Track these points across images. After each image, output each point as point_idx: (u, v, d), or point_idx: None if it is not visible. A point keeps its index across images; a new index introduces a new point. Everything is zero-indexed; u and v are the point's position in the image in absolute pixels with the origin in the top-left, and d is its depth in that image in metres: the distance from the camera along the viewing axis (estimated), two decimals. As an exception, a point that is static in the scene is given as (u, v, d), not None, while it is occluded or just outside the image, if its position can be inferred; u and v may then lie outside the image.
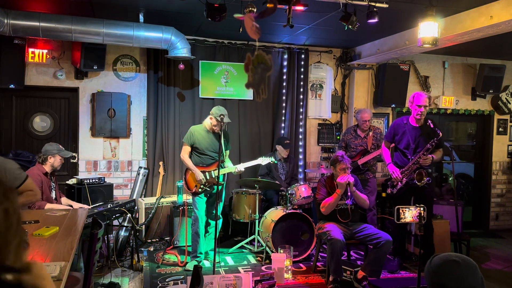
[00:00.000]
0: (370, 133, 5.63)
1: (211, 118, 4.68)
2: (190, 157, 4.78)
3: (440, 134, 4.52)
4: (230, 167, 4.82)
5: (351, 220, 4.47)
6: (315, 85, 6.57)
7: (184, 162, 4.81)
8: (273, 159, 5.16)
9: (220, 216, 4.89)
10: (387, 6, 4.10)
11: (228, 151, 4.95)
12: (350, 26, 4.01)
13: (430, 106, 4.69)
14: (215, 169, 4.69)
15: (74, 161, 5.75)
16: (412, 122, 4.69)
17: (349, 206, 4.43)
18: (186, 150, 4.78)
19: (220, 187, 4.65)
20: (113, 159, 5.84)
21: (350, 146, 5.71)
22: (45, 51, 5.51)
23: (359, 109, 5.89)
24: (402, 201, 4.55)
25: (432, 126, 4.56)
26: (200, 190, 4.72)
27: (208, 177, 4.71)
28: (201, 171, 4.69)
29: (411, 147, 4.64)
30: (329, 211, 4.39)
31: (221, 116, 4.52)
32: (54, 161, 4.30)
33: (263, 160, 5.08)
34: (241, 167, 4.84)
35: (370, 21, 4.02)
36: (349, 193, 4.33)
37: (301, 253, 4.97)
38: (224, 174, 4.93)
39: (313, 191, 5.23)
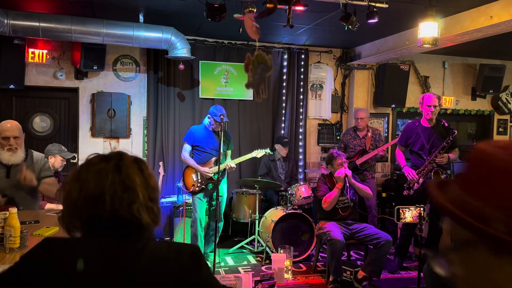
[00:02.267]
0: (369, 134, 5.64)
1: (209, 118, 4.72)
2: (191, 156, 4.81)
3: (455, 132, 4.52)
4: (226, 162, 4.82)
5: (351, 219, 4.48)
6: (315, 85, 6.57)
7: (186, 162, 4.82)
8: (268, 151, 5.13)
9: (222, 218, 4.88)
10: (387, 6, 4.10)
11: (229, 151, 4.96)
12: (350, 26, 4.01)
13: (441, 105, 4.70)
14: (212, 166, 4.73)
15: (74, 161, 5.75)
16: (424, 123, 4.67)
17: (350, 203, 4.45)
18: (187, 150, 4.80)
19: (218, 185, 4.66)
20: (113, 159, 5.83)
21: (349, 147, 5.72)
22: (45, 51, 5.51)
23: (356, 108, 5.92)
24: (420, 202, 4.51)
25: (446, 125, 4.58)
26: (197, 189, 4.73)
27: (200, 178, 4.73)
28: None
29: (426, 147, 4.62)
30: (331, 207, 4.40)
31: (221, 116, 4.55)
32: (54, 161, 4.31)
33: (258, 153, 5.05)
34: (232, 163, 4.82)
35: (370, 21, 4.03)
36: (347, 185, 4.39)
37: (301, 253, 4.96)
38: (224, 171, 4.92)
39: (313, 191, 5.23)
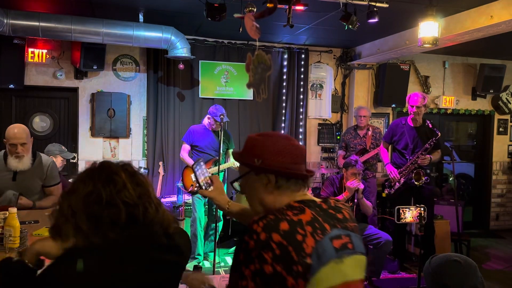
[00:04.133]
0: (369, 132, 5.61)
1: (208, 118, 4.72)
2: (190, 156, 4.80)
3: (439, 134, 4.51)
4: (229, 162, 4.81)
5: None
6: (315, 85, 6.56)
7: (184, 161, 4.82)
8: None
9: (221, 218, 4.88)
10: (387, 6, 4.09)
11: (231, 151, 4.96)
12: (350, 26, 4.00)
13: (428, 106, 4.66)
14: (211, 167, 4.71)
15: (74, 161, 5.74)
16: (410, 122, 4.69)
17: (354, 207, 4.41)
18: (185, 149, 4.80)
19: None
20: (113, 159, 5.83)
21: (349, 146, 5.70)
22: (44, 51, 5.50)
23: (358, 106, 5.92)
24: (401, 201, 4.52)
25: (430, 126, 4.56)
26: (196, 189, 4.72)
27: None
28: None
29: (409, 147, 4.62)
30: None
31: (221, 116, 4.54)
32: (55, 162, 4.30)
33: None
34: None
35: (370, 20, 4.02)
36: (355, 200, 4.27)
37: (301, 253, 4.94)
38: (224, 172, 4.92)
39: (313, 191, 5.22)
